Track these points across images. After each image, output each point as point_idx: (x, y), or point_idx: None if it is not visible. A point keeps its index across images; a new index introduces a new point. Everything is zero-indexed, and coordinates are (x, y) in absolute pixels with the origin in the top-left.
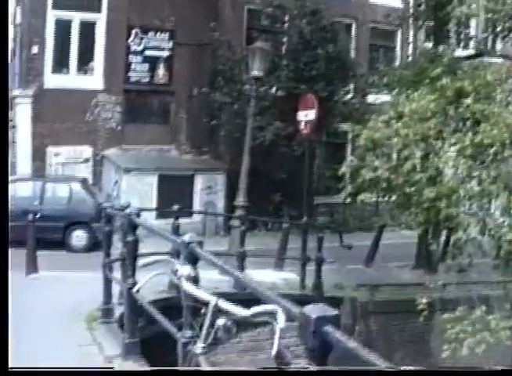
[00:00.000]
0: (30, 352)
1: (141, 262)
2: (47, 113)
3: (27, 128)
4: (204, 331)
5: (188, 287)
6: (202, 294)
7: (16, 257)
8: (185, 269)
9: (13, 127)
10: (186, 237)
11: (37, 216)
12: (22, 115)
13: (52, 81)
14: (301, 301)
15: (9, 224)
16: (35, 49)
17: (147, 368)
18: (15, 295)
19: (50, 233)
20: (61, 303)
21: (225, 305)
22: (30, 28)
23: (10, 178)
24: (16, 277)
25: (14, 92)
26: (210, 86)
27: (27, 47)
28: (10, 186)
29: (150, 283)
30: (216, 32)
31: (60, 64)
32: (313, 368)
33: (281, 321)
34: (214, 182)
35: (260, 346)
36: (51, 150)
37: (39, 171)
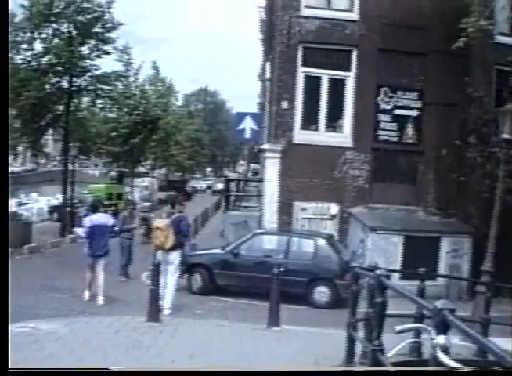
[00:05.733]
0: None
1: (397, 328)
2: (295, 168)
3: (275, 181)
4: None
5: (443, 357)
6: (456, 367)
7: (259, 309)
8: (440, 339)
9: (262, 180)
10: (439, 304)
11: (282, 270)
12: (270, 169)
13: (301, 136)
14: None
15: (254, 275)
16: (285, 105)
17: (146, 368)
18: (258, 346)
19: (293, 287)
20: (301, 358)
21: None
22: (280, 84)
23: (256, 230)
24: (258, 329)
25: (264, 146)
26: (461, 145)
27: (276, 102)
28: (256, 239)
29: (393, 345)
30: (469, 87)
31: (309, 120)
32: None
33: None
34: (460, 245)
35: None
36: (298, 204)
37: (285, 225)
